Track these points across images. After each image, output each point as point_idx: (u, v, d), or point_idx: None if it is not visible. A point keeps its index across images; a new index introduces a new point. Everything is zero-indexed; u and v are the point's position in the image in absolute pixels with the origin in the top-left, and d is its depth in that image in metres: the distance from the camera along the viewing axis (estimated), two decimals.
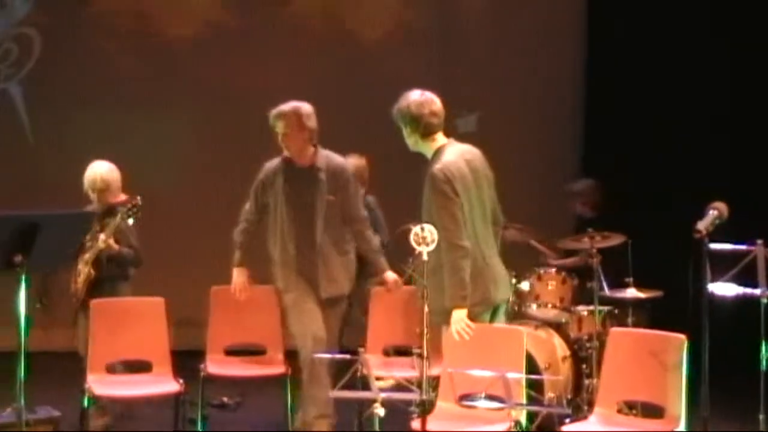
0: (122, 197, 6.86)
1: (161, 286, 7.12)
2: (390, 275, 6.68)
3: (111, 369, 6.48)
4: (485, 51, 9.74)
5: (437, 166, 5.63)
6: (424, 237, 4.89)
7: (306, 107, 6.52)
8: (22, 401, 5.20)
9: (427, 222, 5.23)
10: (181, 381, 6.40)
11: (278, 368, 6.76)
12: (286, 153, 6.53)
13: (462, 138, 9.98)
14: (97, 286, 6.75)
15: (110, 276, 6.84)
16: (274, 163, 6.60)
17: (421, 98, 5.74)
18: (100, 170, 6.90)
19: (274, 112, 6.49)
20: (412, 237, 4.92)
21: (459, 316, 5.53)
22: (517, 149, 9.57)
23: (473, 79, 9.62)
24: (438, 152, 5.72)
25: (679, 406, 5.38)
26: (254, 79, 9.64)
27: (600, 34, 9.48)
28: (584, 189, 8.23)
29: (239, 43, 9.77)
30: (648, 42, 9.07)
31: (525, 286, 7.33)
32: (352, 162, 7.34)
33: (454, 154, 5.71)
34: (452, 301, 5.54)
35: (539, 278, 7.36)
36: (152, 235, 9.01)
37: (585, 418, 5.85)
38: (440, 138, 5.80)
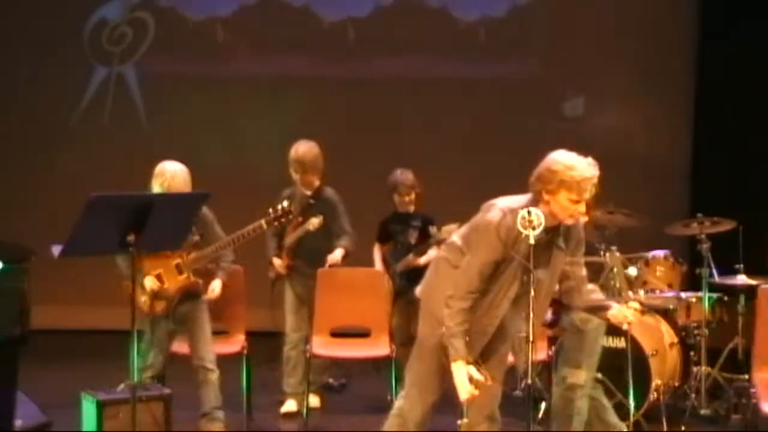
0: None
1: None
2: None
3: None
4: (592, 33, 9.62)
5: None
6: (531, 221, 4.82)
7: None
8: (135, 378, 5.33)
9: None
10: None
11: (383, 350, 6.81)
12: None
13: (569, 122, 9.99)
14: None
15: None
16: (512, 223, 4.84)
17: None
18: (180, 168, 6.28)
19: None
20: (518, 220, 4.86)
21: None
22: (623, 133, 9.46)
23: (580, 61, 9.51)
24: None
25: None
26: (377, 65, 9.69)
27: (712, 13, 9.29)
28: (415, 182, 7.34)
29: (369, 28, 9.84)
30: (764, 20, 8.87)
31: (633, 271, 7.23)
32: (303, 149, 6.96)
33: None
34: None
35: (647, 264, 7.27)
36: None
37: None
38: None
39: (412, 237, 7.34)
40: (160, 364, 6.41)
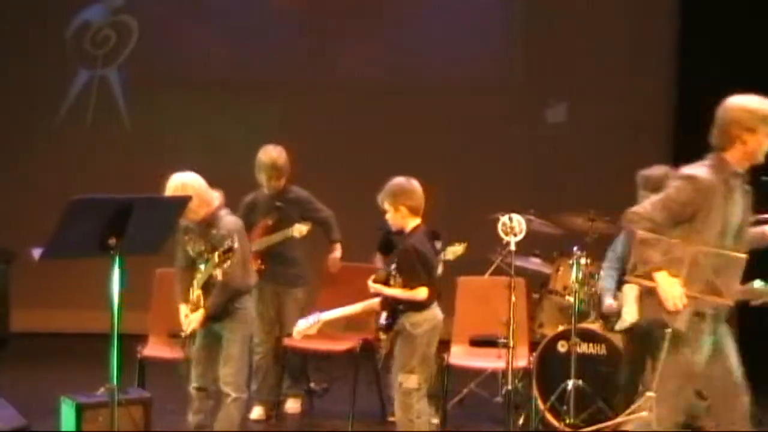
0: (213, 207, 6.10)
1: None
2: None
3: None
4: (573, 39, 9.63)
5: None
6: (512, 227, 4.85)
7: None
8: (115, 381, 5.30)
9: None
10: None
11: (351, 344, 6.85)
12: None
13: (552, 128, 9.99)
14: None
15: None
16: (709, 173, 4.95)
17: None
18: (186, 181, 5.97)
19: None
20: (499, 227, 4.88)
21: None
22: (606, 139, 9.48)
23: (562, 68, 9.53)
24: None
25: None
26: (354, 68, 9.71)
27: (693, 20, 9.33)
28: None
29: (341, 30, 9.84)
30: (743, 28, 8.92)
31: None
32: (276, 153, 6.90)
33: None
34: None
35: None
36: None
37: None
38: None
39: None
40: (199, 378, 6.10)
